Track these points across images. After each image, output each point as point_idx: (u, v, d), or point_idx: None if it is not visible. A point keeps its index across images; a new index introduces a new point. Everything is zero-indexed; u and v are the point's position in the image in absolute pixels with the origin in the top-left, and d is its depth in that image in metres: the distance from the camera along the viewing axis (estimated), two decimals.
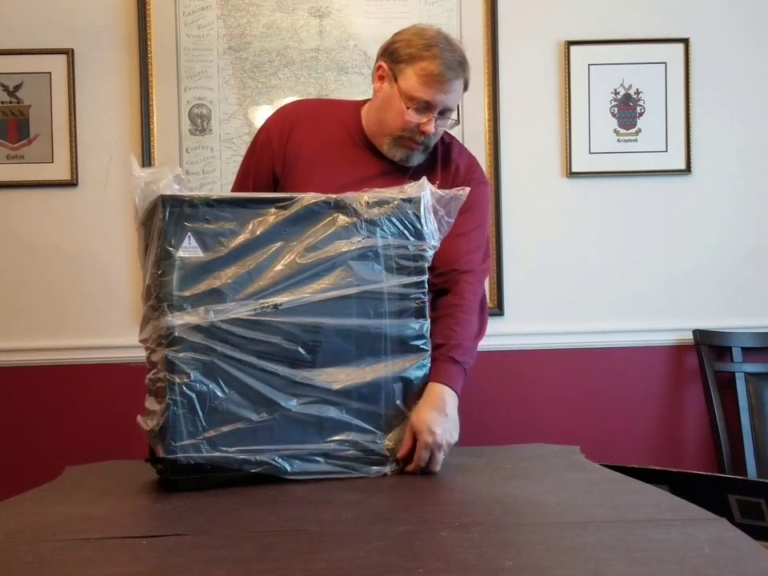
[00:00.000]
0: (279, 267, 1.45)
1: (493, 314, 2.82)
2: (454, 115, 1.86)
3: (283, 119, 1.94)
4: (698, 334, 2.81)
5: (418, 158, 1.86)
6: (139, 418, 1.50)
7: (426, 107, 1.79)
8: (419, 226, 1.53)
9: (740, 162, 2.89)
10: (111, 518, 1.27)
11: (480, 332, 1.81)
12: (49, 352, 2.76)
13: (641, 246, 2.88)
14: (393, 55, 1.82)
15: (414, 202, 1.54)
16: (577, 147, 2.85)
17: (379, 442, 1.51)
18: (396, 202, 1.52)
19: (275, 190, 1.86)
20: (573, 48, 2.84)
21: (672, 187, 2.88)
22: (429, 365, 1.58)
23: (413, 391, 1.55)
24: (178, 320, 1.39)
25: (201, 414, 1.40)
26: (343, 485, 1.43)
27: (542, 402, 2.85)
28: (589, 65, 2.85)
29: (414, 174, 1.84)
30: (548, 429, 2.81)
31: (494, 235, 2.82)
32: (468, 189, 1.64)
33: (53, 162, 2.77)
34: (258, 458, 1.44)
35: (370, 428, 1.51)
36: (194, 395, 1.40)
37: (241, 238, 1.44)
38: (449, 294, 1.79)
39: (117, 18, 2.78)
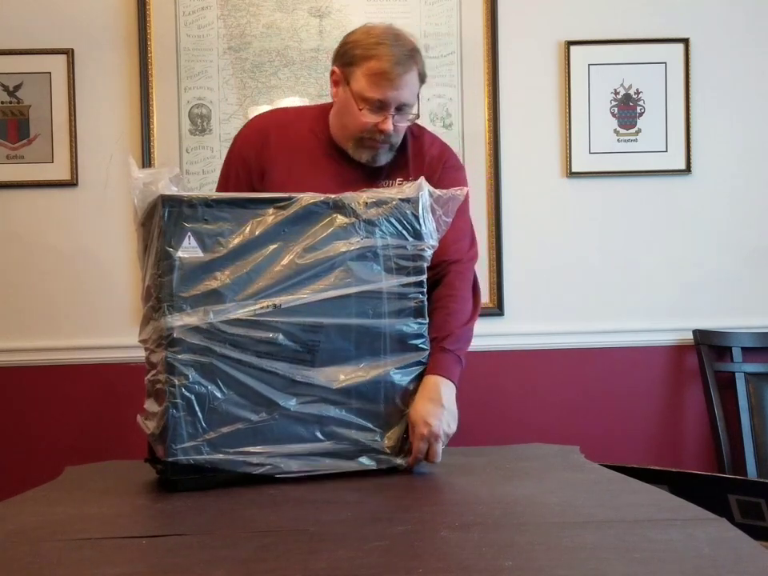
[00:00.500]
0: (278, 268, 1.45)
1: (493, 314, 2.83)
2: (414, 109, 1.83)
3: (256, 133, 1.92)
4: (698, 333, 2.81)
5: (385, 157, 1.85)
6: (139, 420, 1.50)
7: (380, 106, 1.78)
8: (418, 226, 1.53)
9: (740, 162, 2.90)
10: (111, 518, 1.27)
11: (473, 315, 1.81)
12: (49, 352, 2.76)
13: (641, 246, 2.88)
14: (343, 58, 1.82)
15: (412, 202, 1.54)
16: (577, 147, 2.85)
17: (379, 439, 1.52)
18: (394, 203, 1.52)
19: None
20: (573, 48, 2.84)
21: (672, 187, 2.88)
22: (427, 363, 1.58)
23: (412, 389, 1.55)
24: (178, 321, 1.39)
25: (200, 415, 1.40)
26: (343, 485, 1.43)
27: (542, 402, 2.85)
28: (589, 65, 2.85)
29: (388, 174, 1.85)
30: (548, 429, 2.81)
31: (494, 235, 2.82)
32: (466, 189, 1.64)
33: (53, 162, 2.77)
34: (258, 458, 1.44)
35: (370, 426, 1.51)
36: (193, 397, 1.40)
37: (240, 239, 1.44)
38: (440, 285, 1.79)
39: (117, 18, 2.78)
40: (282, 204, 1.47)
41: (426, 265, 1.56)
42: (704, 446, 2.86)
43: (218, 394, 1.41)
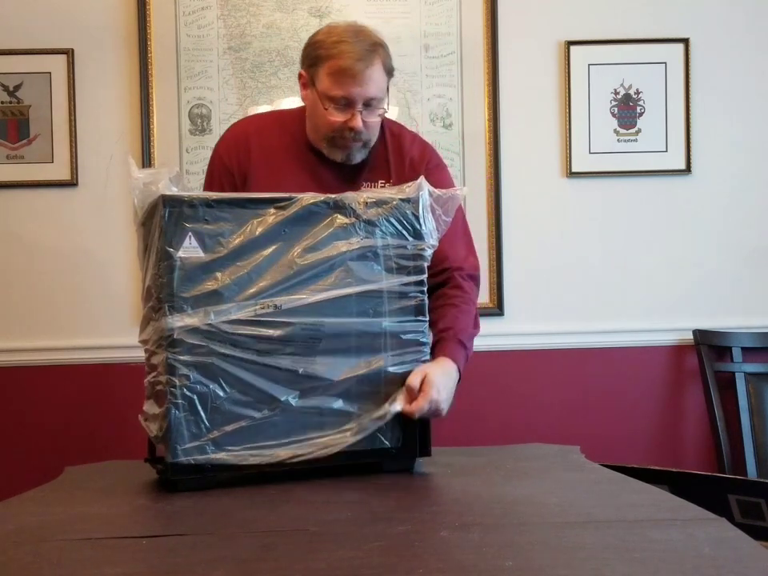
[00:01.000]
0: (279, 268, 1.45)
1: (492, 314, 2.83)
2: (383, 104, 1.83)
3: (236, 139, 1.93)
4: (698, 333, 2.81)
5: (360, 154, 1.86)
6: (141, 421, 1.49)
7: (346, 104, 1.79)
8: (418, 226, 1.53)
9: (740, 162, 2.90)
10: (111, 518, 1.27)
11: (477, 328, 1.84)
12: (49, 352, 2.76)
13: (641, 246, 2.88)
14: (307, 60, 1.84)
15: (412, 201, 1.54)
16: (577, 147, 2.85)
17: (381, 433, 1.52)
18: (394, 202, 1.52)
19: None
20: (573, 48, 2.84)
21: (672, 187, 2.88)
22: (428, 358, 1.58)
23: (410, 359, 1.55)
24: (179, 321, 1.39)
25: (203, 415, 1.40)
26: (343, 485, 1.43)
27: (541, 402, 2.85)
28: (589, 65, 2.85)
29: (369, 173, 1.87)
30: (548, 429, 2.81)
31: (494, 235, 2.82)
32: (466, 188, 1.65)
33: (53, 162, 2.77)
34: (263, 455, 1.44)
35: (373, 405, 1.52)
36: (195, 397, 1.39)
37: (240, 239, 1.44)
38: (449, 287, 1.81)
39: (117, 18, 2.78)
40: (282, 204, 1.47)
41: (426, 264, 1.56)
42: (704, 446, 2.86)
43: (221, 393, 1.41)
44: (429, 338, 1.61)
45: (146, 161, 2.73)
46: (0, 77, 2.75)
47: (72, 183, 2.77)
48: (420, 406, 1.53)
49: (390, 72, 1.84)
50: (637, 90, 2.86)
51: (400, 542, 1.08)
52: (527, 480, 1.47)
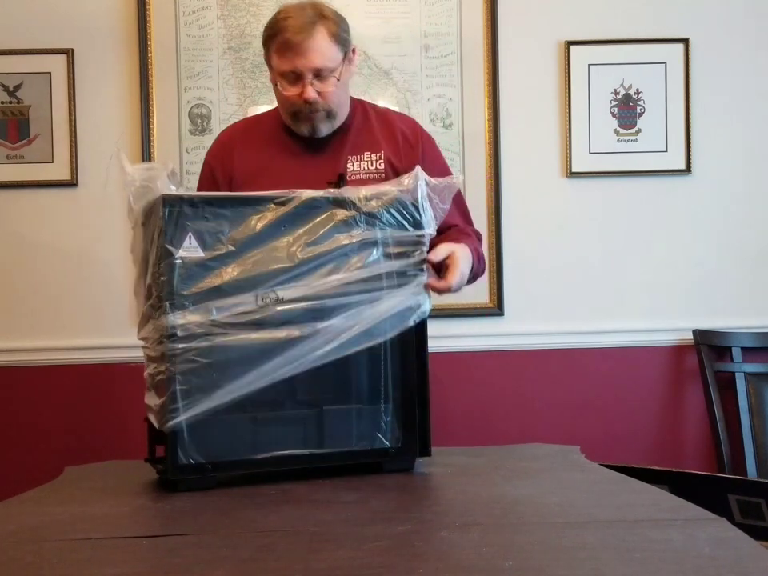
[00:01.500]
0: (280, 263, 1.45)
1: (492, 314, 2.83)
2: (336, 73, 1.87)
3: (221, 148, 2.02)
4: (698, 333, 2.81)
5: (326, 126, 1.91)
6: (150, 417, 1.48)
7: (295, 77, 1.85)
8: (417, 216, 1.53)
9: (740, 162, 2.90)
10: (111, 518, 1.27)
11: (481, 261, 1.92)
12: (49, 352, 2.76)
13: (641, 246, 2.88)
14: (263, 46, 1.91)
15: (411, 192, 1.53)
16: (577, 147, 2.85)
17: (381, 433, 1.52)
18: (393, 194, 1.52)
19: None
20: (573, 48, 2.84)
21: (672, 187, 2.88)
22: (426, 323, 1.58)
23: (411, 359, 1.55)
24: (180, 319, 1.38)
25: (204, 414, 1.40)
26: (343, 485, 1.43)
27: (541, 402, 2.85)
28: (589, 65, 2.85)
29: (353, 147, 1.93)
30: (548, 429, 2.81)
31: (494, 235, 2.82)
32: (461, 177, 1.67)
33: (53, 162, 2.77)
34: (266, 453, 1.44)
35: (372, 405, 1.52)
36: (196, 396, 1.39)
37: (240, 236, 1.43)
38: (450, 231, 1.90)
39: (117, 18, 2.78)
40: (281, 200, 1.47)
41: (425, 250, 1.56)
42: (704, 446, 2.86)
43: (221, 391, 1.41)
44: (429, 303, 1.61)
45: (146, 161, 2.73)
46: (0, 77, 2.75)
47: (72, 183, 2.77)
48: (454, 280, 1.63)
49: (341, 41, 1.87)
50: (637, 90, 2.86)
51: (400, 541, 1.08)
52: (527, 480, 1.47)
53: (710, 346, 2.82)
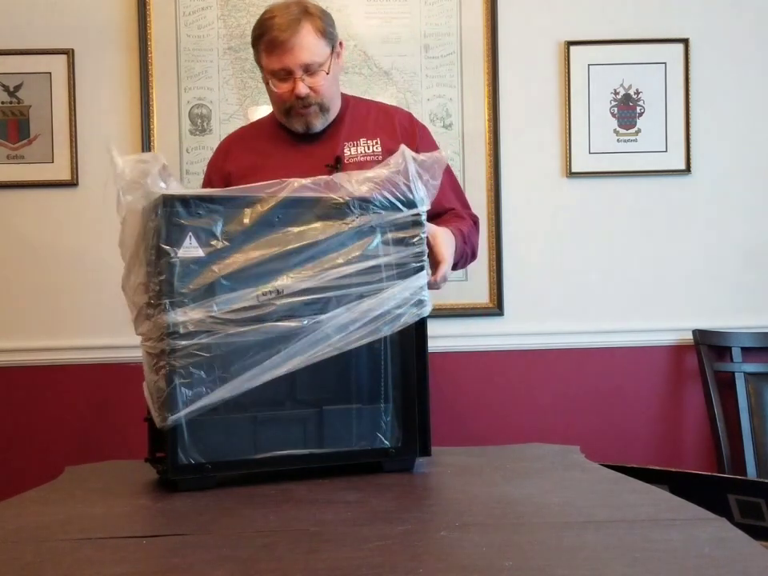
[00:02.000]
0: (277, 254, 1.44)
1: (492, 314, 2.83)
2: (325, 67, 1.90)
3: (218, 154, 2.10)
4: (698, 333, 2.81)
5: (320, 121, 1.95)
6: (154, 416, 1.48)
7: (284, 75, 1.89)
8: (411, 195, 1.53)
9: (740, 162, 2.90)
10: (111, 518, 1.27)
11: (474, 250, 2.00)
12: (49, 352, 2.76)
13: (641, 246, 2.88)
14: (252, 47, 1.95)
15: (401, 172, 1.53)
16: (577, 147, 2.85)
17: (381, 433, 1.52)
18: (384, 176, 1.52)
19: None
20: (573, 48, 2.84)
21: (672, 187, 2.89)
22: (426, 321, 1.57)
23: (411, 359, 1.54)
24: (181, 316, 1.38)
25: (204, 413, 1.39)
26: (343, 485, 1.43)
27: (541, 402, 2.85)
28: (589, 65, 2.85)
29: (348, 135, 1.97)
30: (548, 429, 2.81)
31: (494, 235, 2.82)
32: (445, 154, 1.68)
33: (53, 162, 2.77)
34: (266, 453, 1.44)
35: (372, 405, 1.52)
36: (198, 391, 1.39)
37: (236, 230, 1.43)
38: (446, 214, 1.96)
39: (117, 18, 2.78)
40: (272, 190, 1.47)
41: (423, 233, 1.55)
42: (704, 446, 2.86)
43: (222, 388, 1.40)
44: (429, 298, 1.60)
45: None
46: (0, 77, 2.75)
47: (72, 183, 2.77)
48: (439, 275, 1.68)
49: (327, 35, 1.91)
50: (637, 90, 2.86)
51: (400, 541, 1.08)
52: (527, 480, 1.47)
53: (709, 346, 2.82)
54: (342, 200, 1.49)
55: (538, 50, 2.86)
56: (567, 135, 2.85)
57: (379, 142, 1.97)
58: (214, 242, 1.42)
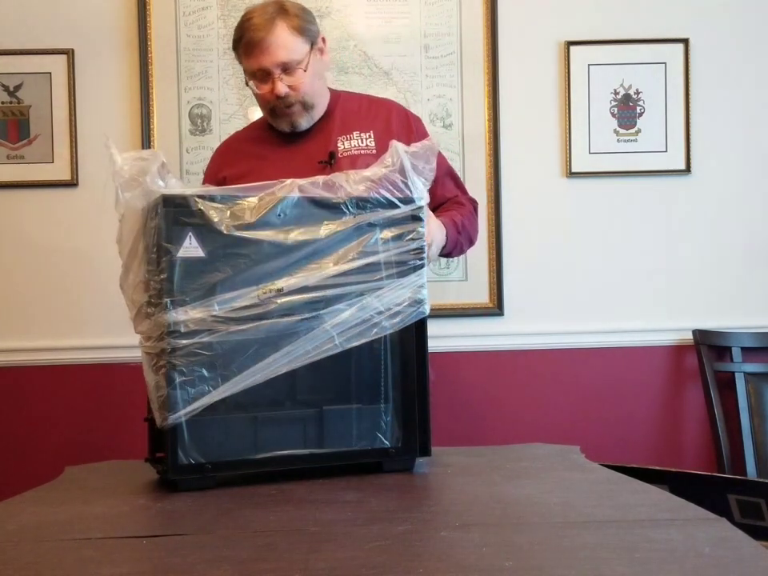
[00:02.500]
0: (278, 254, 1.44)
1: (492, 314, 2.83)
2: (303, 65, 1.89)
3: (213, 161, 2.11)
4: (698, 333, 2.81)
5: (305, 119, 1.95)
6: (155, 415, 1.48)
7: (263, 75, 1.90)
8: (408, 192, 1.53)
9: (740, 162, 2.90)
10: (111, 517, 1.27)
11: (473, 237, 2.01)
12: (49, 352, 2.76)
13: (640, 246, 2.88)
14: (233, 50, 1.98)
15: (398, 170, 1.52)
16: (577, 147, 2.85)
17: (381, 433, 1.52)
18: (380, 174, 1.52)
19: None
20: (573, 48, 2.84)
21: (672, 187, 2.88)
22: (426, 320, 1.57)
23: (411, 359, 1.54)
24: (182, 315, 1.38)
25: (204, 412, 1.39)
26: (343, 485, 1.43)
27: (541, 402, 2.85)
28: (589, 65, 2.85)
29: (341, 128, 1.96)
30: (548, 429, 2.81)
31: (494, 235, 2.82)
32: (436, 140, 1.68)
33: (53, 162, 2.77)
34: (266, 453, 1.44)
35: (372, 405, 1.51)
36: (197, 393, 1.39)
37: (236, 230, 1.43)
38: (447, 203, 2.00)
39: (117, 18, 2.78)
40: (273, 189, 1.47)
41: (422, 227, 1.54)
42: (704, 446, 2.86)
43: (222, 386, 1.40)
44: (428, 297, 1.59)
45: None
46: (0, 77, 2.75)
47: (72, 183, 2.77)
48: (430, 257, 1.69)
49: (304, 32, 1.90)
50: (637, 90, 2.86)
51: (400, 541, 1.08)
52: (527, 480, 1.47)
53: (709, 346, 2.82)
54: (340, 200, 1.49)
55: (538, 49, 2.86)
56: (567, 135, 2.85)
57: (372, 135, 1.96)
58: (214, 242, 1.42)
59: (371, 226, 1.50)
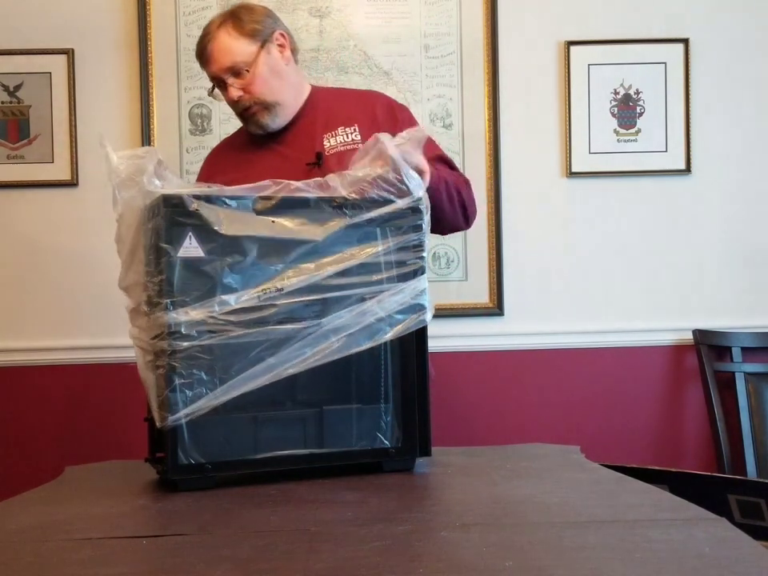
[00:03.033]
0: (275, 253, 1.44)
1: (492, 314, 2.83)
2: (251, 66, 1.88)
3: (203, 170, 2.09)
4: (698, 333, 2.81)
5: (270, 119, 1.92)
6: (155, 416, 1.48)
7: (218, 82, 1.91)
8: (404, 187, 1.51)
9: (740, 162, 2.90)
10: (111, 517, 1.27)
11: (461, 192, 1.89)
12: (49, 352, 2.76)
13: (641, 246, 2.88)
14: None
15: (391, 167, 1.51)
16: (577, 147, 2.85)
17: (381, 433, 1.52)
18: (375, 174, 1.50)
19: None
20: (573, 48, 2.84)
21: (672, 187, 2.89)
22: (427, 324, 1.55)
23: (411, 359, 1.54)
24: (182, 316, 1.38)
25: (204, 413, 1.39)
26: (343, 485, 1.43)
27: (541, 402, 2.85)
28: (589, 65, 2.85)
29: (326, 126, 1.92)
30: (548, 429, 2.81)
31: (494, 235, 2.82)
32: (423, 127, 1.67)
33: (53, 162, 2.77)
34: (266, 453, 1.44)
35: (372, 405, 1.51)
36: (197, 395, 1.39)
37: (235, 230, 1.43)
38: None
39: (117, 18, 2.78)
40: (273, 190, 1.46)
41: (423, 223, 1.53)
42: (704, 446, 2.86)
43: (221, 393, 1.40)
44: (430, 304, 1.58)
45: None
46: (0, 77, 2.75)
47: (72, 183, 2.77)
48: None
49: (250, 33, 1.88)
50: (637, 90, 2.86)
51: (400, 541, 1.08)
52: (527, 480, 1.47)
53: (709, 346, 2.82)
54: (336, 200, 1.49)
55: (538, 49, 2.86)
56: (567, 135, 2.85)
57: (357, 128, 1.92)
58: (214, 242, 1.42)
59: (371, 222, 1.49)
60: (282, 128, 1.95)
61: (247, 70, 1.87)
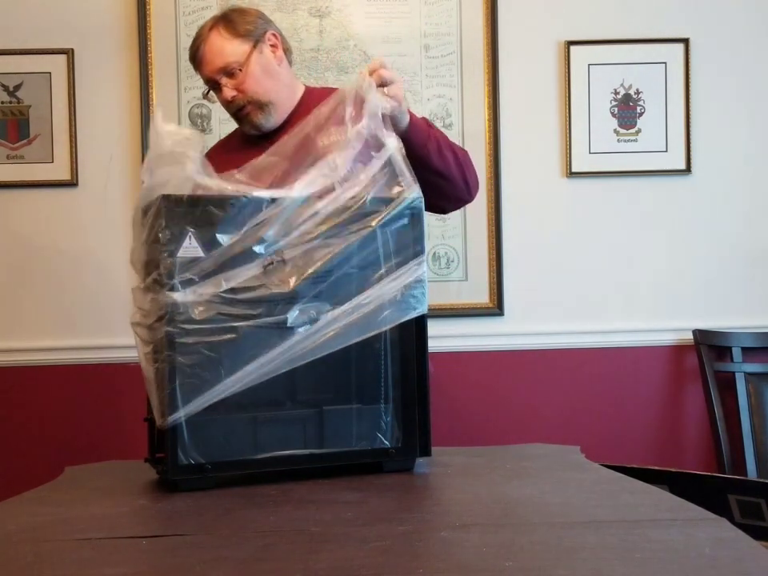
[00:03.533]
0: (277, 227, 1.43)
1: (492, 314, 2.83)
2: (243, 65, 1.90)
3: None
4: (698, 333, 2.81)
5: (265, 119, 1.93)
6: (156, 414, 1.48)
7: (213, 85, 1.92)
8: (402, 180, 1.51)
9: (740, 162, 2.90)
10: (111, 517, 1.27)
11: (456, 157, 1.86)
12: (49, 352, 2.76)
13: (640, 246, 2.88)
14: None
15: (385, 165, 1.51)
16: (577, 147, 2.85)
17: (381, 433, 1.52)
18: (372, 174, 1.50)
19: None
20: (573, 48, 2.84)
21: (672, 187, 2.89)
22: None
23: (411, 359, 1.54)
24: (190, 295, 1.37)
25: (205, 411, 1.39)
26: (343, 485, 1.43)
27: (541, 402, 2.85)
28: (589, 65, 2.85)
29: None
30: (548, 429, 2.81)
31: (494, 235, 2.82)
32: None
33: (53, 162, 2.77)
34: (266, 453, 1.44)
35: (372, 405, 1.51)
36: (198, 388, 1.38)
37: (235, 230, 1.42)
38: None
39: (117, 18, 2.78)
40: (272, 190, 1.46)
41: (423, 222, 1.53)
42: (704, 446, 2.86)
43: (223, 389, 1.40)
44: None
45: None
46: (0, 77, 2.75)
47: (72, 183, 2.77)
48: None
49: (241, 33, 1.90)
50: (637, 90, 2.86)
51: (400, 541, 1.08)
52: (527, 480, 1.47)
53: (709, 346, 2.82)
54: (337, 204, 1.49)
55: (538, 49, 2.86)
56: (567, 135, 2.85)
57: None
58: (213, 242, 1.42)
59: (369, 213, 1.48)
60: (276, 128, 1.96)
61: (240, 70, 1.89)
